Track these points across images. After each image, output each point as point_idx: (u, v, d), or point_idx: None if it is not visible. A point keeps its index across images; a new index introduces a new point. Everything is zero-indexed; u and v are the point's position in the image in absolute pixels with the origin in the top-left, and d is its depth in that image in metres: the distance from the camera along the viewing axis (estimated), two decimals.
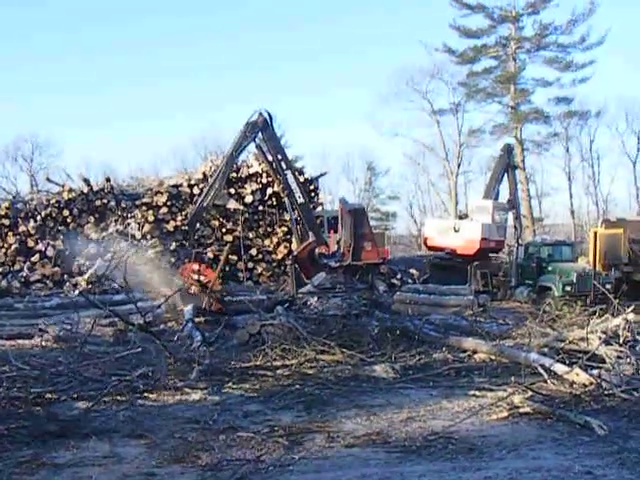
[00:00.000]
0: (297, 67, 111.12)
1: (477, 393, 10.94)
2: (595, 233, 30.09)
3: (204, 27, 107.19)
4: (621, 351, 12.03)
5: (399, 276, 33.87)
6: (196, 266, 22.39)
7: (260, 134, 26.81)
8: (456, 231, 35.69)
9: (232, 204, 32.48)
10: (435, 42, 67.73)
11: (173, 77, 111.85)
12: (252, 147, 27.75)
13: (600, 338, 12.80)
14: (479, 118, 73.24)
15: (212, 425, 9.23)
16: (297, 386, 11.50)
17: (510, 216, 38.53)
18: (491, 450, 7.99)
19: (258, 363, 13.29)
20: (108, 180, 34.03)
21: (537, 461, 7.55)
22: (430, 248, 38.18)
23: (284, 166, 27.44)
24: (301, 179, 32.77)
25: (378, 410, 10.08)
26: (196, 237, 30.72)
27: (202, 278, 21.30)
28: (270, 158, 27.40)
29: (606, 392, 10.22)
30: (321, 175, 37.92)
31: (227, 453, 7.90)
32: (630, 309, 14.38)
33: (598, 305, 18.15)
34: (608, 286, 25.14)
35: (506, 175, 39.02)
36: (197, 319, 18.16)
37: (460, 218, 38.80)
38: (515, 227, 38.20)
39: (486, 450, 7.98)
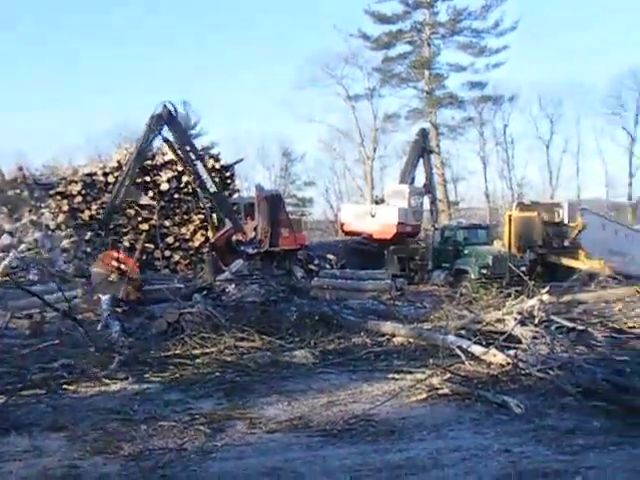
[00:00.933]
0: (213, 52, 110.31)
1: (396, 376, 11.01)
2: (510, 216, 30.63)
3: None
4: (536, 331, 12.24)
5: (316, 262, 33.90)
6: (115, 254, 22.08)
7: (166, 126, 26.65)
8: (372, 216, 36.00)
9: (144, 200, 32.10)
10: (350, 28, 67.98)
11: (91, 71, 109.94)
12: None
13: (516, 319, 13.02)
14: (394, 103, 73.76)
15: (133, 415, 9.12)
16: (217, 374, 11.43)
17: (426, 200, 38.99)
18: (411, 431, 8.06)
19: (177, 352, 13.15)
20: (20, 169, 33.33)
21: (456, 441, 7.66)
22: (347, 233, 38.41)
23: (193, 156, 27.41)
24: (217, 166, 32.62)
25: (299, 395, 10.09)
26: (112, 226, 30.39)
27: (122, 266, 21.03)
28: (178, 149, 27.27)
29: (522, 372, 10.39)
30: (237, 162, 37.77)
31: (149, 443, 7.81)
32: (545, 290, 14.64)
33: (514, 287, 18.47)
34: (523, 268, 25.59)
35: (421, 160, 39.50)
36: (115, 309, 17.92)
37: (376, 203, 39.15)
38: (431, 211, 38.73)
39: (406, 431, 8.06)
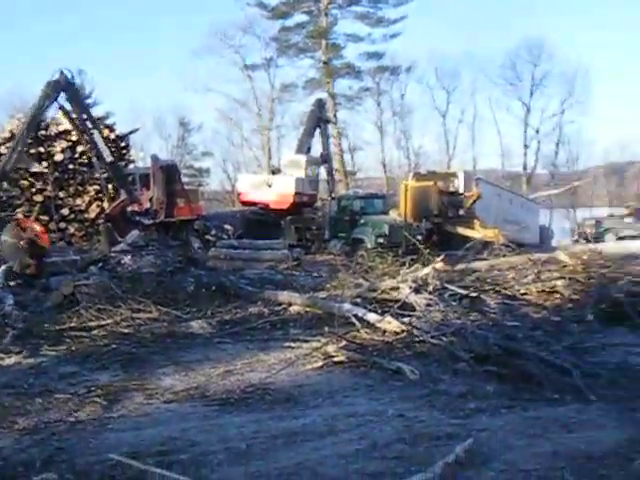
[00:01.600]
0: (110, 20, 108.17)
1: (292, 344, 11.07)
2: (406, 186, 30.94)
3: None
4: (430, 299, 12.46)
5: (214, 232, 33.75)
6: (28, 222, 21.42)
7: (63, 94, 26.06)
8: (269, 186, 35.96)
9: (36, 167, 31.44)
10: None
11: None
12: None
13: (410, 287, 13.22)
14: (291, 73, 73.64)
15: (28, 389, 8.96)
16: (113, 346, 11.29)
17: (323, 170, 39.09)
18: (307, 399, 8.13)
19: (73, 324, 12.97)
20: None
21: (352, 407, 7.74)
22: (244, 203, 38.30)
23: (90, 125, 26.84)
24: (112, 136, 32.12)
25: (196, 365, 10.07)
26: (4, 198, 29.70)
27: (33, 235, 20.42)
28: (75, 118, 26.73)
29: (417, 339, 10.53)
30: (132, 132, 37.27)
31: (44, 416, 7.70)
32: (439, 259, 14.88)
33: (409, 256, 18.72)
34: (419, 237, 25.93)
35: (318, 130, 39.50)
36: (8, 282, 17.52)
37: (273, 173, 39.07)
38: (328, 181, 38.84)
39: (302, 399, 8.12)
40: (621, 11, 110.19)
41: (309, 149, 39.77)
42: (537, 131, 75.51)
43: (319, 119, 40.13)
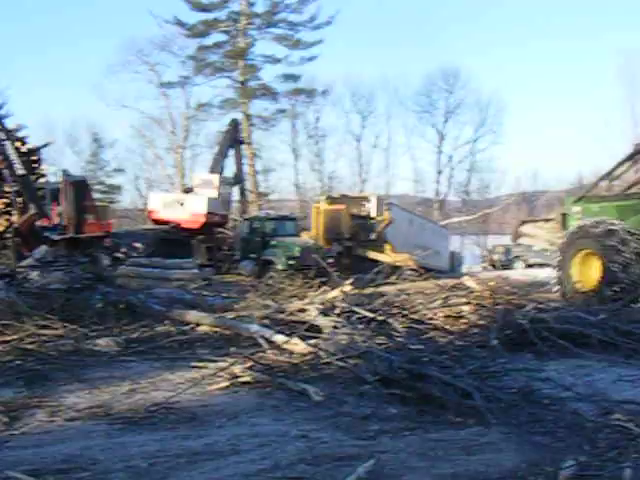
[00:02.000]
0: (24, 33, 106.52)
1: (199, 364, 11.01)
2: (318, 209, 31.09)
3: None
4: (337, 321, 12.55)
5: (123, 250, 33.39)
6: None
7: None
8: (181, 205, 35.81)
9: None
10: (166, 14, 67.13)
11: None
12: None
13: (318, 309, 13.30)
14: (208, 92, 73.46)
15: None
16: (17, 362, 11.12)
17: (236, 191, 39.06)
18: (212, 419, 8.11)
19: None
20: None
21: (256, 427, 7.75)
22: (155, 222, 37.98)
23: (2, 136, 26.39)
24: (24, 149, 31.60)
25: (100, 383, 9.96)
26: None
27: None
28: None
29: (323, 360, 10.60)
30: (45, 145, 36.62)
31: None
32: (348, 282, 14.99)
33: (319, 278, 18.82)
34: (330, 260, 26.10)
35: (232, 150, 39.48)
36: None
37: (186, 192, 38.90)
38: (240, 202, 38.82)
39: (207, 419, 8.10)
40: (533, 46, 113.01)
41: (222, 169, 39.70)
42: (450, 158, 76.82)
43: (233, 139, 40.13)
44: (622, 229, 17.36)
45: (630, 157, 19.84)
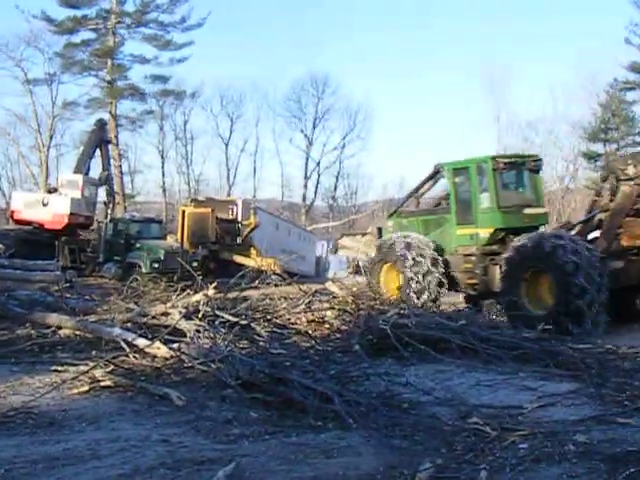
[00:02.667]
0: None
1: (59, 368, 10.84)
2: (184, 212, 30.87)
3: None
4: (200, 325, 12.52)
5: None
6: None
7: None
8: (44, 205, 35.00)
9: None
10: (33, 8, 65.30)
11: None
12: None
13: (181, 313, 13.24)
14: (75, 91, 72.00)
15: None
16: None
17: (102, 192, 38.47)
18: (71, 423, 8.02)
19: None
20: None
21: (116, 432, 7.71)
22: (17, 222, 37.02)
23: None
24: None
25: None
26: None
27: None
28: None
29: (186, 364, 10.60)
30: None
31: None
32: (212, 286, 14.97)
33: (184, 282, 18.73)
34: (195, 264, 26.07)
35: (99, 150, 38.84)
36: None
37: (49, 192, 38.02)
38: (106, 203, 38.23)
39: (66, 423, 8.01)
40: (400, 59, 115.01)
41: (88, 170, 39.00)
42: (318, 164, 77.37)
43: (100, 139, 39.46)
44: (419, 241, 19.09)
45: (431, 177, 21.01)
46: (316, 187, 78.06)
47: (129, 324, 13.62)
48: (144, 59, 63.74)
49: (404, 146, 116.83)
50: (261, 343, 12.40)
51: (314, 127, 77.42)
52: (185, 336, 12.03)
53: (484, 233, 18.86)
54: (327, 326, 14.63)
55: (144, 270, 28.09)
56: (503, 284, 17.17)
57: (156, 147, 72.92)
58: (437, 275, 19.04)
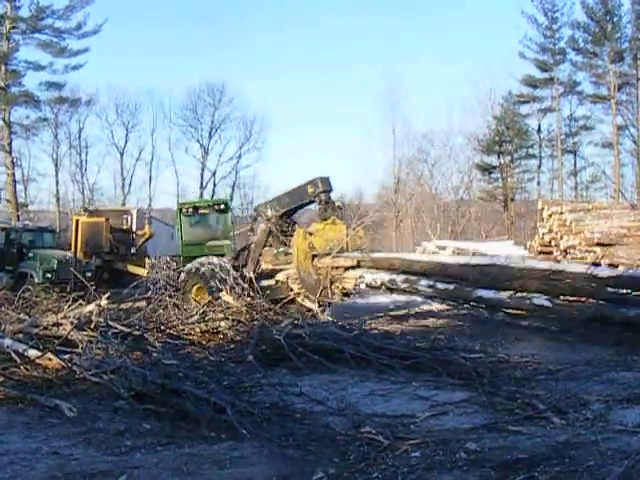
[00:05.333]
0: None
1: None
2: (77, 221, 30.42)
3: None
4: (93, 336, 12.39)
5: None
6: None
7: None
8: None
9: None
10: None
11: None
12: None
13: (73, 323, 13.07)
14: None
15: None
16: None
17: None
18: None
19: None
20: None
21: (5, 445, 7.59)
22: None
23: None
24: None
25: None
26: None
27: None
28: None
29: (78, 376, 10.46)
30: None
31: None
32: (105, 296, 14.84)
33: (78, 292, 18.49)
34: (89, 274, 25.74)
35: None
36: None
37: None
38: None
39: None
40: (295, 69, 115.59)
41: None
42: (214, 173, 77.12)
43: None
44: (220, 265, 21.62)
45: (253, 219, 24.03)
46: (212, 197, 77.77)
47: (20, 335, 13.37)
48: (39, 66, 62.49)
49: (300, 157, 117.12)
50: (154, 354, 12.32)
51: (210, 137, 77.11)
52: (77, 347, 11.89)
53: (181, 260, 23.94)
54: (221, 336, 14.66)
55: (37, 280, 27.52)
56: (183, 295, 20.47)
57: (50, 155, 71.55)
58: None
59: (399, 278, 17.77)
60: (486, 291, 16.05)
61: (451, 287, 16.80)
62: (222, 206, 25.19)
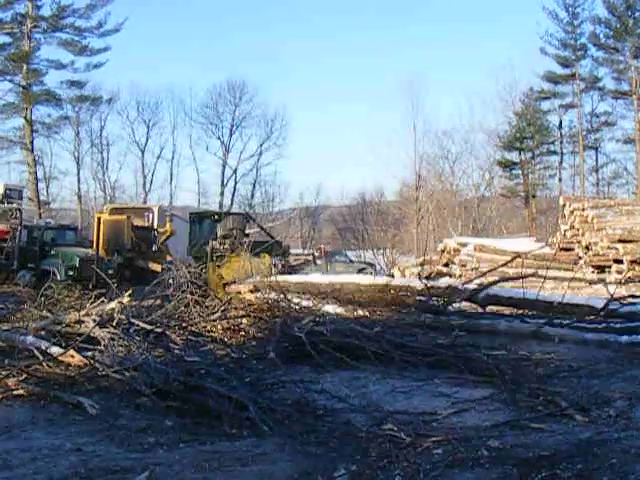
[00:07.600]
0: None
1: None
2: (99, 219, 30.57)
3: None
4: (115, 333, 12.42)
5: None
6: None
7: None
8: None
9: None
10: None
11: None
12: None
13: (95, 321, 13.13)
14: None
15: None
16: None
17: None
18: None
19: None
20: None
21: (29, 441, 7.59)
22: None
23: None
24: None
25: None
26: None
27: None
28: None
29: (100, 373, 10.49)
30: None
31: None
32: (127, 293, 14.89)
33: (100, 290, 18.55)
34: (111, 271, 25.83)
35: None
36: None
37: None
38: (19, 210, 37.62)
39: None
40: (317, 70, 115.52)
41: None
42: (235, 171, 77.21)
43: None
44: None
45: None
46: (233, 194, 77.92)
47: (43, 332, 13.43)
48: (60, 64, 62.78)
49: (321, 154, 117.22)
50: (176, 351, 12.36)
51: (231, 134, 77.32)
52: (100, 344, 11.94)
53: None
54: (242, 333, 14.67)
55: (59, 277, 27.65)
56: None
57: (72, 153, 71.94)
58: None
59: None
60: None
61: None
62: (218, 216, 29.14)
